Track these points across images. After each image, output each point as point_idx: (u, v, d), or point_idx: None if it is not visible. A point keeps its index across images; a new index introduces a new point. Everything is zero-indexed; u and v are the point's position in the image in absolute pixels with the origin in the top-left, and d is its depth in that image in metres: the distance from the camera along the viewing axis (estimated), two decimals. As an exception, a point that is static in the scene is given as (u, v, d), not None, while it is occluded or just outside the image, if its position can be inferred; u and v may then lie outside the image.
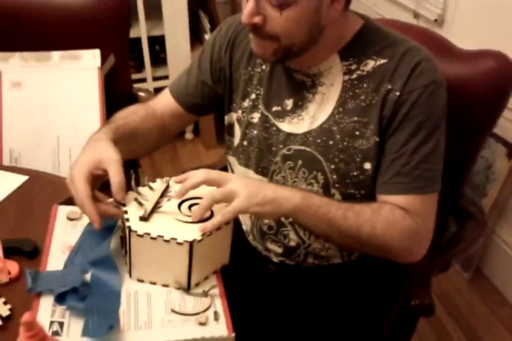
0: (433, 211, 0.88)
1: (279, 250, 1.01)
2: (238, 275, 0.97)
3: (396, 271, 1.03)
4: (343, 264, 1.01)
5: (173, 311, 0.74)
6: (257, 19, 0.79)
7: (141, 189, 0.83)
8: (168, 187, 0.84)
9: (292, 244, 0.99)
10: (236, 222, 1.06)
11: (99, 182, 0.84)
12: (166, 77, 2.33)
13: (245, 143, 0.99)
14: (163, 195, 0.82)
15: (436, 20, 1.79)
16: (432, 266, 0.96)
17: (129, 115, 0.99)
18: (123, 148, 0.86)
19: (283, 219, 0.97)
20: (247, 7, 0.78)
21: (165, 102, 1.05)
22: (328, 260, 1.00)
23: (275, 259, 1.04)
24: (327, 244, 0.97)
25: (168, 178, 0.85)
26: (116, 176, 0.79)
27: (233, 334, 0.71)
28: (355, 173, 0.88)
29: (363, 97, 0.86)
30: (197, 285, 0.79)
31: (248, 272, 1.07)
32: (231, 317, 0.74)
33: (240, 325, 0.75)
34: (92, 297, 0.73)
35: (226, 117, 1.04)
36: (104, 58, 1.41)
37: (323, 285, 1.03)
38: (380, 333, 1.03)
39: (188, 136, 2.56)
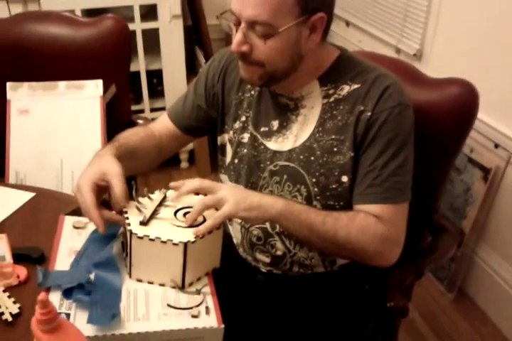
0: (403, 219, 0.97)
1: (267, 260, 1.09)
2: (229, 285, 1.05)
3: (376, 281, 1.11)
4: (326, 274, 1.09)
5: (168, 306, 0.81)
6: (244, 48, 0.91)
7: (141, 199, 0.92)
8: (165, 197, 0.93)
9: (279, 253, 1.07)
10: (227, 236, 1.15)
11: (103, 193, 0.93)
12: (163, 109, 2.44)
13: (236, 161, 1.09)
14: (160, 203, 0.91)
15: (415, 54, 1.93)
16: (406, 273, 1.04)
17: (130, 135, 1.09)
18: (124, 164, 0.95)
19: (270, 230, 1.05)
20: (236, 37, 0.90)
21: (163, 124, 1.15)
22: (312, 269, 1.08)
23: (263, 269, 1.12)
24: (311, 253, 1.05)
25: (165, 190, 0.94)
26: (118, 188, 0.88)
27: (222, 326, 0.79)
28: (333, 186, 0.98)
29: (339, 118, 0.97)
30: (190, 284, 0.87)
31: (238, 282, 1.14)
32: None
33: (230, 334, 0.81)
34: (96, 293, 0.81)
35: (219, 138, 1.14)
36: (106, 89, 1.52)
37: (308, 293, 1.10)
38: (362, 338, 1.10)
39: (184, 165, 2.66)
